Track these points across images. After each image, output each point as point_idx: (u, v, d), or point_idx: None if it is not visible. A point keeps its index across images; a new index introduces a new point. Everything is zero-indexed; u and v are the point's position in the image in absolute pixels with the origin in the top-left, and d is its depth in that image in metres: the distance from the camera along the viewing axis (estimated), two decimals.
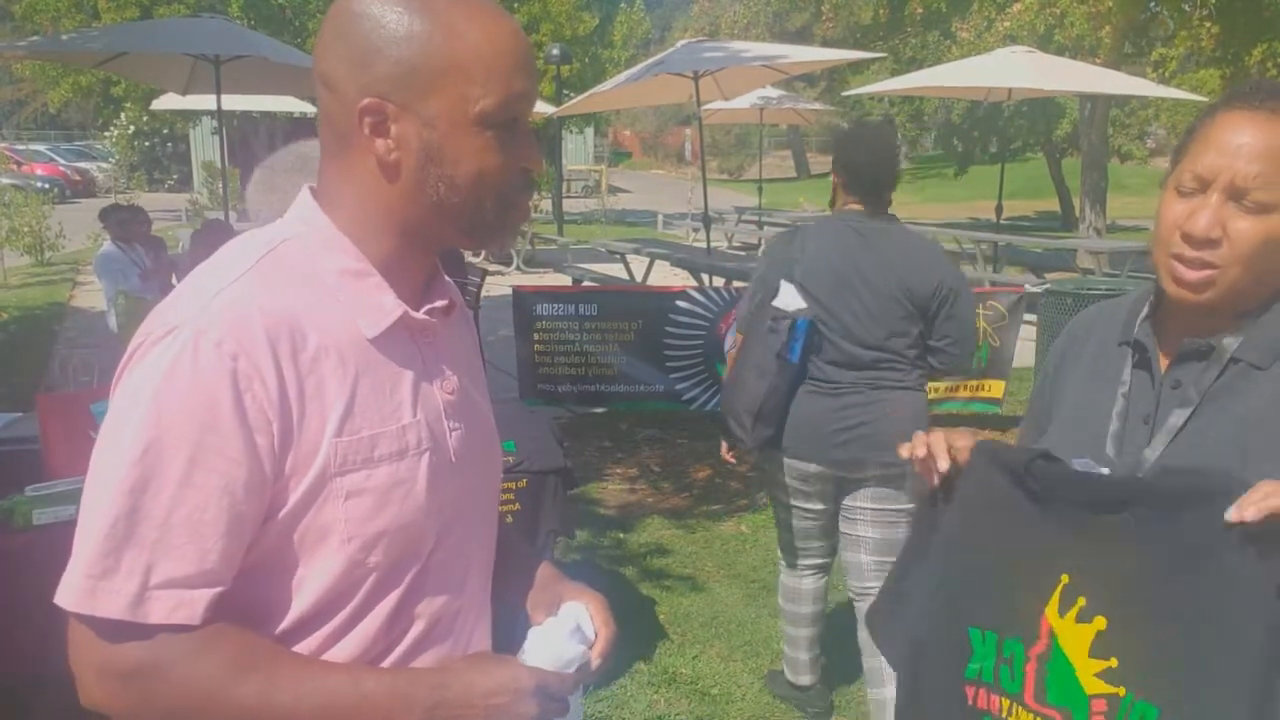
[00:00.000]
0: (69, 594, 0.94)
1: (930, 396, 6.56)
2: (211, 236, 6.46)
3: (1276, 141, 1.21)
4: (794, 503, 3.09)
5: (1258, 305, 1.30)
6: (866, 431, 2.88)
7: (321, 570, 1.02)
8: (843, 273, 2.86)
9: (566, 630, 1.14)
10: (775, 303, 2.88)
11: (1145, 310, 1.40)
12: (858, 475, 2.93)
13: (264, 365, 0.96)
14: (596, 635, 1.18)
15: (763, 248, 15.94)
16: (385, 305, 1.06)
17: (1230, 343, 1.29)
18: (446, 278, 1.19)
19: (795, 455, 2.98)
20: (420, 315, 1.10)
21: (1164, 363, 1.36)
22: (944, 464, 1.34)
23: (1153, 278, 1.38)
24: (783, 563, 3.30)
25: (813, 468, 2.96)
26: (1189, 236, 1.25)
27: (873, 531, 2.98)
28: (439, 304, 1.13)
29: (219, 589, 0.97)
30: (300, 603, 1.02)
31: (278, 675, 0.97)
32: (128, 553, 0.93)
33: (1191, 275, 1.26)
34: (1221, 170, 1.23)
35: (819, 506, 3.06)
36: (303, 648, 1.04)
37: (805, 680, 3.32)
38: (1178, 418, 1.30)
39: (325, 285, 1.04)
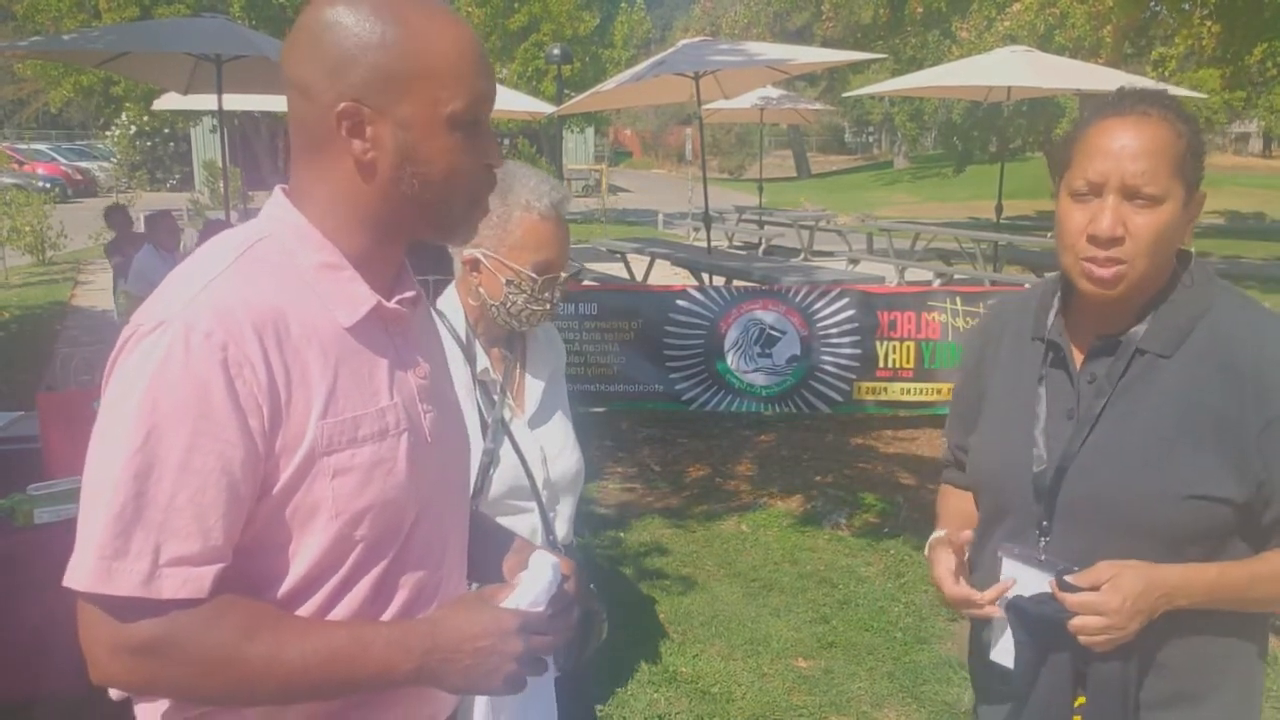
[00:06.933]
0: (81, 575, 0.98)
1: (930, 399, 6.64)
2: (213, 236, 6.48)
3: (1152, 140, 1.32)
4: None
5: (1157, 295, 1.39)
6: None
7: (312, 544, 1.08)
8: None
9: (537, 570, 1.21)
10: None
11: (1056, 306, 1.48)
12: None
13: (252, 353, 1.02)
14: (567, 581, 1.25)
15: (763, 247, 15.95)
16: (360, 296, 1.13)
17: (1135, 334, 1.38)
18: (410, 272, 1.26)
19: None
20: (392, 305, 1.17)
21: (1079, 358, 1.44)
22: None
23: None
24: None
25: None
26: (1095, 239, 1.34)
27: None
28: (408, 294, 1.20)
29: (222, 564, 1.02)
30: (294, 575, 1.09)
31: (283, 635, 1.04)
32: (136, 534, 0.98)
33: (1104, 272, 1.34)
34: (1110, 173, 1.32)
35: None
36: None
37: None
38: (1095, 410, 1.39)
39: (303, 278, 1.11)
